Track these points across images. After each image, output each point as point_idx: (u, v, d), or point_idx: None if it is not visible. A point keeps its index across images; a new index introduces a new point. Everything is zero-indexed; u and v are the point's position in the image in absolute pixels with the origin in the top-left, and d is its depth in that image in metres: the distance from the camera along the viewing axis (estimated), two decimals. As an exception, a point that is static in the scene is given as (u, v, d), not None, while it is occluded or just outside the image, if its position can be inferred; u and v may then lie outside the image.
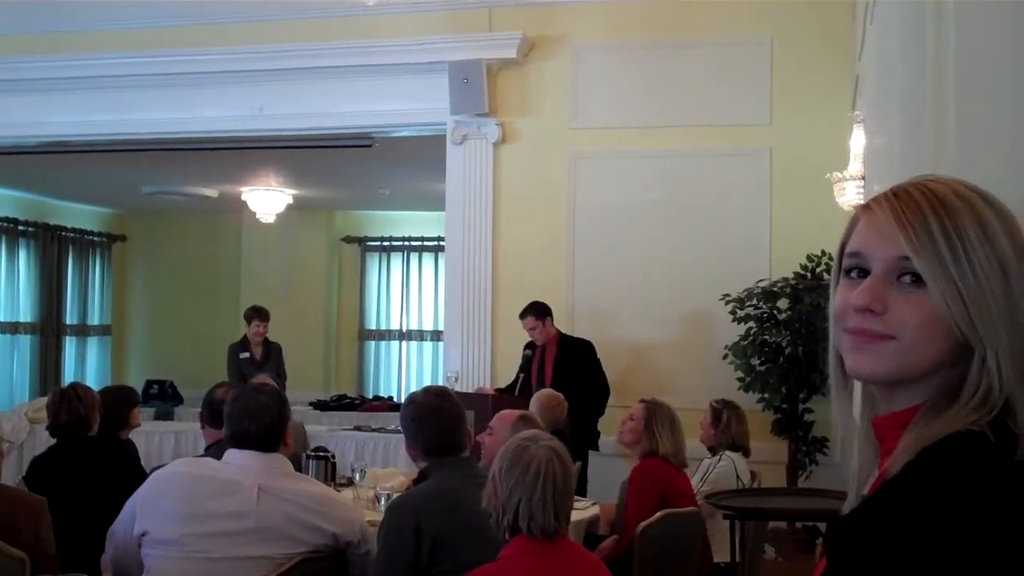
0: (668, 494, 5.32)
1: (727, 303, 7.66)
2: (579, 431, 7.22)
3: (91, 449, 5.42)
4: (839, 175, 6.61)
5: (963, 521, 1.11)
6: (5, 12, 9.50)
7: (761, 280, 7.68)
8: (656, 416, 5.61)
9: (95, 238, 16.18)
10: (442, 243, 9.85)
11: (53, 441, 5.50)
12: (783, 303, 7.57)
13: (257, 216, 13.94)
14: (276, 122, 9.10)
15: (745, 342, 7.60)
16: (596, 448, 7.62)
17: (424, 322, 15.82)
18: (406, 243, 15.84)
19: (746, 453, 6.24)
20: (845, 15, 7.69)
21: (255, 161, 11.82)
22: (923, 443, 1.23)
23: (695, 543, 5.29)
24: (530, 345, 7.94)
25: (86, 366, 15.76)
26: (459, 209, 8.58)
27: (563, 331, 7.97)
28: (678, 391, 7.49)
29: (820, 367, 6.83)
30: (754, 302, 7.64)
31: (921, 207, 1.29)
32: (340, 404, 12.44)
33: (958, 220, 1.28)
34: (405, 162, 11.27)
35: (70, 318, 15.57)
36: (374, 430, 9.70)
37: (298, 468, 4.74)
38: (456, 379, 8.10)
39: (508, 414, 5.22)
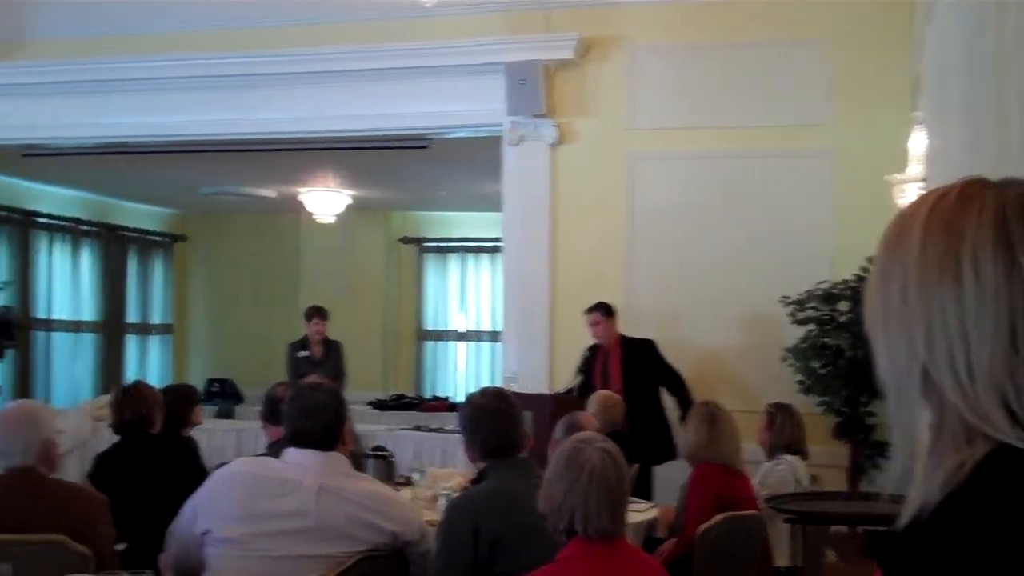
0: (727, 497, 5.29)
1: (787, 305, 7.61)
2: (642, 433, 7.18)
3: (154, 446, 5.49)
4: (899, 177, 6.55)
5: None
6: (67, 14, 9.63)
7: (821, 282, 7.62)
8: (717, 418, 5.58)
9: (156, 238, 16.37)
10: (499, 244, 9.86)
11: (116, 438, 5.57)
12: (843, 305, 7.50)
13: (315, 217, 14.05)
14: (334, 123, 9.15)
15: (805, 344, 7.54)
16: (672, 453, 7.21)
17: (482, 323, 15.86)
18: (464, 244, 15.88)
19: (804, 456, 6.19)
20: (905, 14, 7.61)
21: (313, 162, 11.91)
22: (977, 458, 1.22)
23: (755, 547, 5.26)
24: (591, 347, 7.92)
25: (147, 365, 15.95)
26: (516, 210, 8.59)
27: (622, 332, 7.95)
28: (737, 394, 7.46)
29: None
30: (814, 304, 7.58)
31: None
32: (399, 404, 12.50)
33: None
34: (462, 163, 11.31)
35: (132, 317, 15.77)
36: (432, 430, 9.73)
37: (357, 467, 4.77)
38: (514, 380, 8.10)
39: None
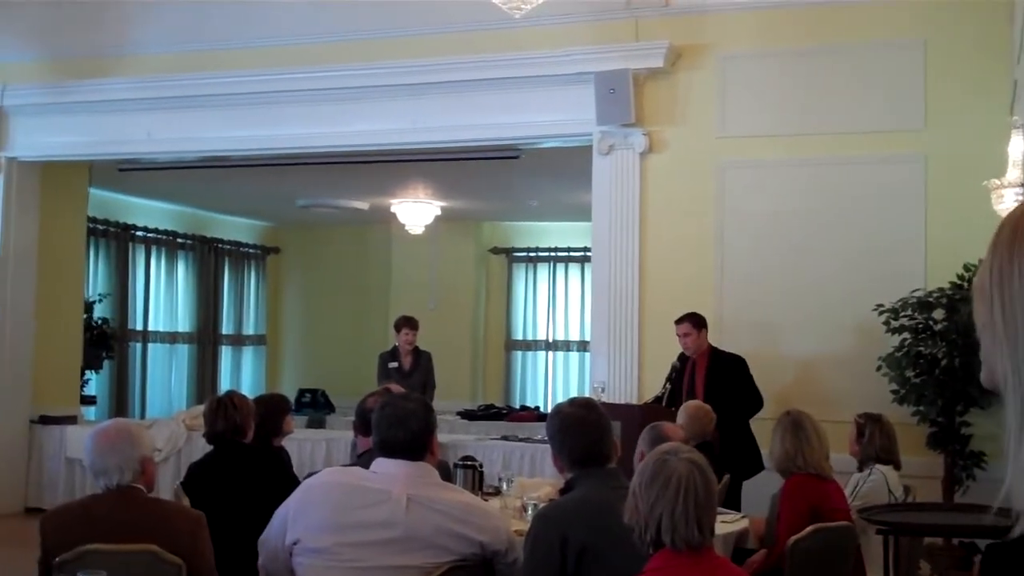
0: (821, 508, 5.22)
1: (880, 313, 7.50)
2: (730, 446, 7.13)
3: (246, 456, 5.55)
4: (997, 182, 6.42)
5: None
6: (163, 31, 9.83)
7: (916, 290, 7.50)
8: (802, 425, 5.52)
9: (250, 250, 16.63)
10: (588, 254, 9.84)
11: (210, 448, 5.64)
12: (939, 313, 7.37)
13: (406, 228, 14.15)
14: (425, 135, 9.21)
15: (899, 353, 7.43)
16: (760, 465, 7.31)
17: (571, 332, 15.85)
18: (552, 254, 15.89)
19: (896, 466, 6.08)
20: (1002, 17, 7.47)
21: (404, 174, 12.01)
22: None
23: (847, 559, 5.17)
24: (681, 357, 7.87)
25: (241, 375, 16.20)
26: (605, 219, 8.56)
27: (712, 343, 7.88)
28: (831, 403, 7.36)
29: (977, 379, 6.63)
30: (909, 312, 7.46)
31: None
32: (487, 414, 12.52)
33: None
34: (551, 173, 11.32)
35: (226, 328, 16.04)
36: (521, 440, 9.73)
37: (445, 477, 4.78)
38: (603, 390, 8.06)
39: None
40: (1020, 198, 6.08)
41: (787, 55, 8.26)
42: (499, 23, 8.26)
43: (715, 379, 7.66)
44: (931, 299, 7.40)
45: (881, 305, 7.51)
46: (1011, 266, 1.22)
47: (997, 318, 1.23)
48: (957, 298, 7.21)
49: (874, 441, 6.01)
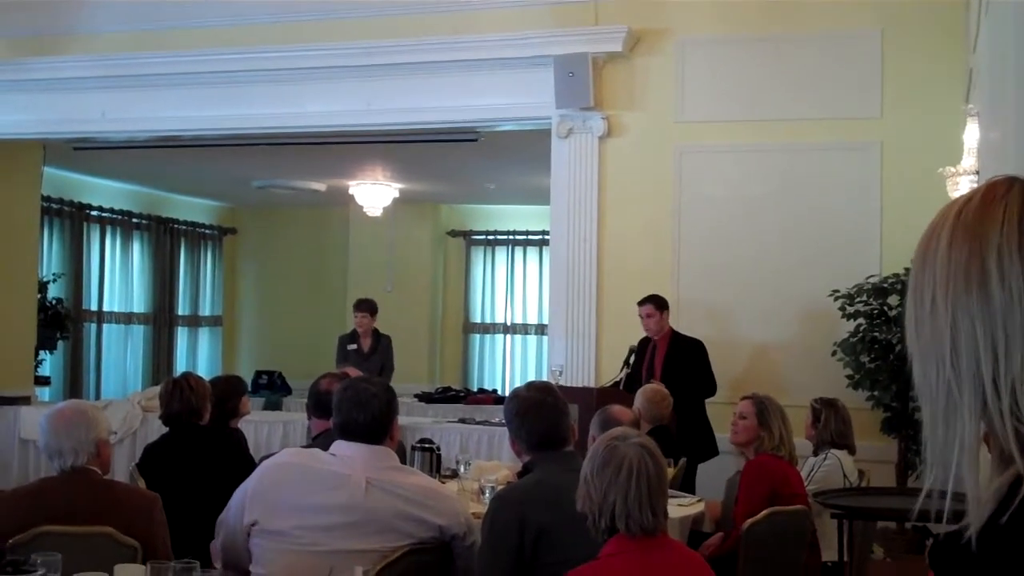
0: (780, 492, 5.26)
1: (836, 299, 7.55)
2: (686, 429, 7.19)
3: (202, 438, 5.53)
4: (952, 169, 6.48)
5: None
6: (116, 9, 9.72)
7: (871, 276, 7.56)
8: (767, 411, 5.57)
9: (206, 231, 16.53)
10: (547, 237, 9.85)
11: (165, 429, 5.62)
12: (893, 299, 7.43)
13: (364, 210, 14.11)
14: (383, 116, 9.17)
15: (854, 339, 7.48)
16: (715, 451, 7.50)
17: (529, 316, 15.87)
18: (511, 237, 15.90)
19: (851, 451, 6.15)
20: (958, 6, 7.53)
21: (362, 155, 11.97)
22: None
23: (801, 542, 5.23)
24: (641, 341, 7.89)
25: (197, 356, 16.10)
26: (564, 203, 8.57)
27: (673, 328, 7.92)
28: (787, 388, 7.40)
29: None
30: (864, 298, 7.52)
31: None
32: (445, 397, 12.51)
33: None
34: (510, 156, 11.32)
35: (182, 309, 15.94)
36: (479, 423, 9.74)
37: (403, 460, 4.78)
38: (560, 373, 8.09)
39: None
40: (974, 185, 6.14)
41: (746, 41, 8.29)
42: (459, 6, 8.25)
43: (674, 362, 7.70)
44: (886, 285, 7.45)
45: (837, 291, 7.56)
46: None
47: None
48: (912, 284, 7.26)
49: (829, 426, 6.07)
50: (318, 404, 5.33)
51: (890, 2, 7.94)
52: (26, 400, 10.64)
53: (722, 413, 7.38)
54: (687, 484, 6.65)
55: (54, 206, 13.42)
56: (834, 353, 7.56)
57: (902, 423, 7.41)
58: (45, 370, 12.67)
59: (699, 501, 5.90)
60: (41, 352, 12.16)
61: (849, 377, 7.46)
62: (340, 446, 3.74)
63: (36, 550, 3.43)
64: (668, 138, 8.36)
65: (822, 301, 7.66)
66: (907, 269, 7.19)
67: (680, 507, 5.44)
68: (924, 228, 1.33)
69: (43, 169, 11.46)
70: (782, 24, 8.19)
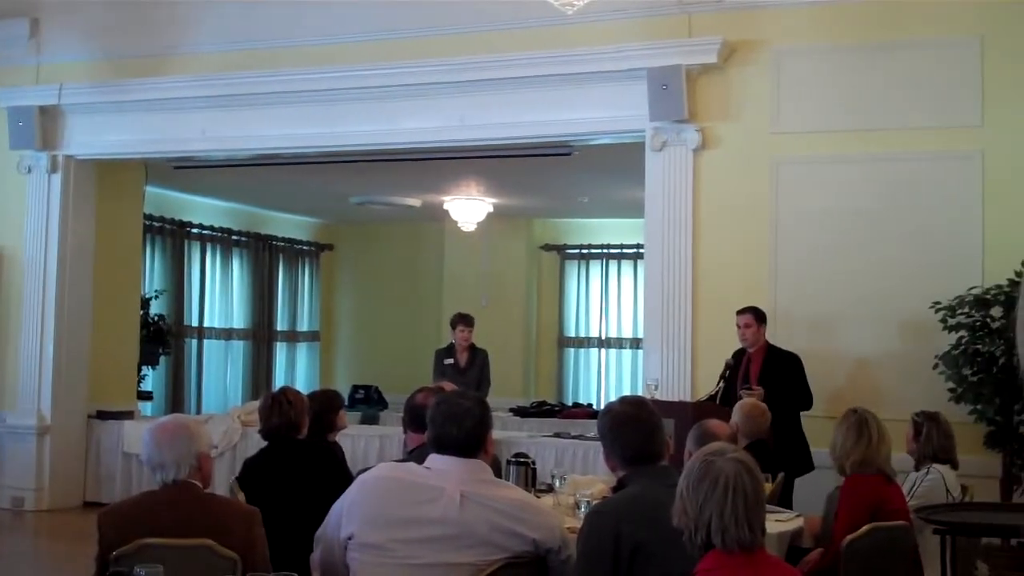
0: (882, 508, 5.16)
1: (937, 311, 7.42)
2: (782, 443, 7.09)
3: (300, 451, 5.58)
4: (1057, 178, 6.34)
5: None
6: (217, 30, 9.92)
7: (973, 287, 7.41)
8: (867, 424, 5.46)
9: (304, 247, 16.75)
10: (641, 250, 9.81)
11: (264, 443, 5.68)
12: (996, 311, 7.28)
13: (458, 225, 14.19)
14: (476, 132, 9.22)
15: (956, 351, 7.35)
16: (811, 464, 7.40)
17: (623, 329, 15.82)
18: (605, 250, 15.87)
19: (954, 466, 6.01)
20: (1063, 10, 7.37)
21: (457, 171, 12.04)
22: None
23: (903, 558, 5.12)
24: (736, 355, 7.82)
25: (295, 371, 16.32)
26: (658, 216, 8.53)
27: (770, 342, 7.84)
28: (886, 402, 7.28)
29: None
30: (966, 310, 7.37)
31: None
32: (540, 411, 12.52)
33: None
34: (603, 170, 11.31)
35: (281, 325, 16.17)
36: (573, 437, 9.72)
37: (498, 474, 4.79)
38: (656, 387, 8.04)
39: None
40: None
41: (842, 50, 8.19)
42: (552, 20, 8.26)
43: (769, 375, 7.61)
44: (988, 296, 7.31)
45: (938, 303, 7.43)
46: None
47: None
48: (1015, 295, 7.12)
49: (931, 440, 5.94)
50: (413, 418, 5.34)
51: (989, 9, 7.79)
52: (129, 415, 10.87)
53: (819, 427, 7.28)
54: (785, 499, 6.56)
55: (156, 224, 13.70)
56: (935, 366, 7.42)
57: (1007, 437, 7.25)
58: (147, 385, 12.93)
59: (798, 516, 5.82)
60: (144, 368, 12.40)
61: (951, 390, 7.32)
62: (434, 460, 3.75)
63: (139, 562, 3.48)
64: (764, 149, 8.29)
65: (923, 313, 7.53)
66: (1011, 280, 7.07)
67: (778, 523, 5.36)
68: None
69: (145, 188, 11.71)
70: (878, 33, 8.08)
